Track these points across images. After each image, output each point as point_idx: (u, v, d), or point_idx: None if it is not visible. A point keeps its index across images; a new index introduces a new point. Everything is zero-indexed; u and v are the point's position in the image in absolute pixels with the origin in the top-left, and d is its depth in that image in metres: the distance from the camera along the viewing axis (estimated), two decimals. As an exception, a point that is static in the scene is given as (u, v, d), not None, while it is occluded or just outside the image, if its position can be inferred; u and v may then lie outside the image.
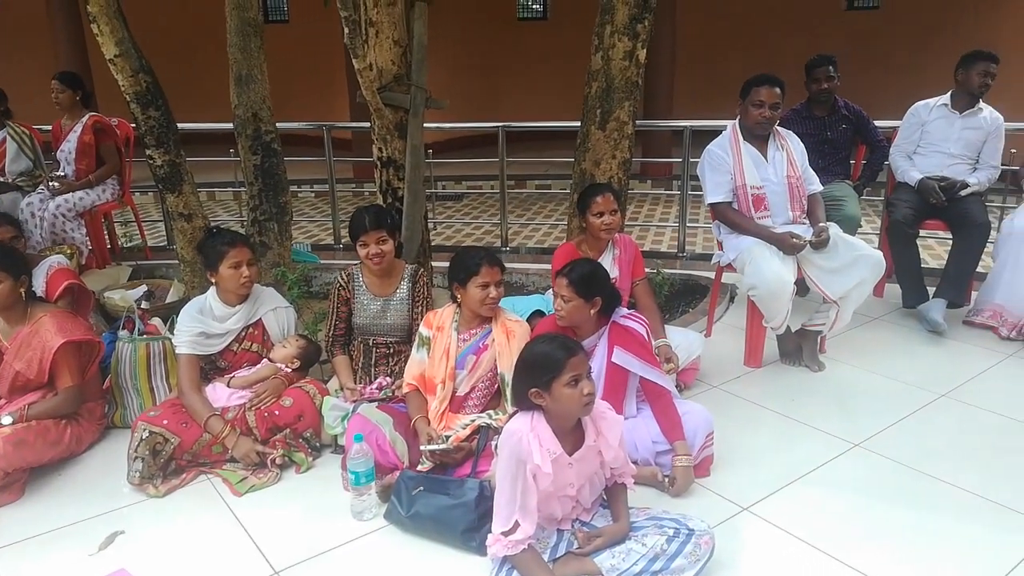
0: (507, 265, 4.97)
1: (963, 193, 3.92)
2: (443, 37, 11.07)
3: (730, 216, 3.45)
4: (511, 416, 2.12)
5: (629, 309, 3.23)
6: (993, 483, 2.54)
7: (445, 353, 2.55)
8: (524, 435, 1.99)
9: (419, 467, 2.44)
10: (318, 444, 2.78)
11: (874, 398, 3.19)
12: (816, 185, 3.55)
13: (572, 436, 2.05)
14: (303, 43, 10.35)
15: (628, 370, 2.55)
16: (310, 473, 2.69)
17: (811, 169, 3.57)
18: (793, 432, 2.93)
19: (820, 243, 3.25)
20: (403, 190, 3.53)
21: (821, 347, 3.58)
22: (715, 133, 3.65)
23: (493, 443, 2.35)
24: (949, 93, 4.03)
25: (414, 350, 2.66)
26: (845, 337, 3.74)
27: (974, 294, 3.99)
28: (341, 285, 2.97)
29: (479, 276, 2.53)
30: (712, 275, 4.04)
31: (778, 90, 3.36)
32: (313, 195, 8.72)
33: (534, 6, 12.98)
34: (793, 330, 3.49)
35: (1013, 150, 4.35)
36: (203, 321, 2.84)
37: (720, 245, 3.58)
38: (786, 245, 3.26)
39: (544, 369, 1.97)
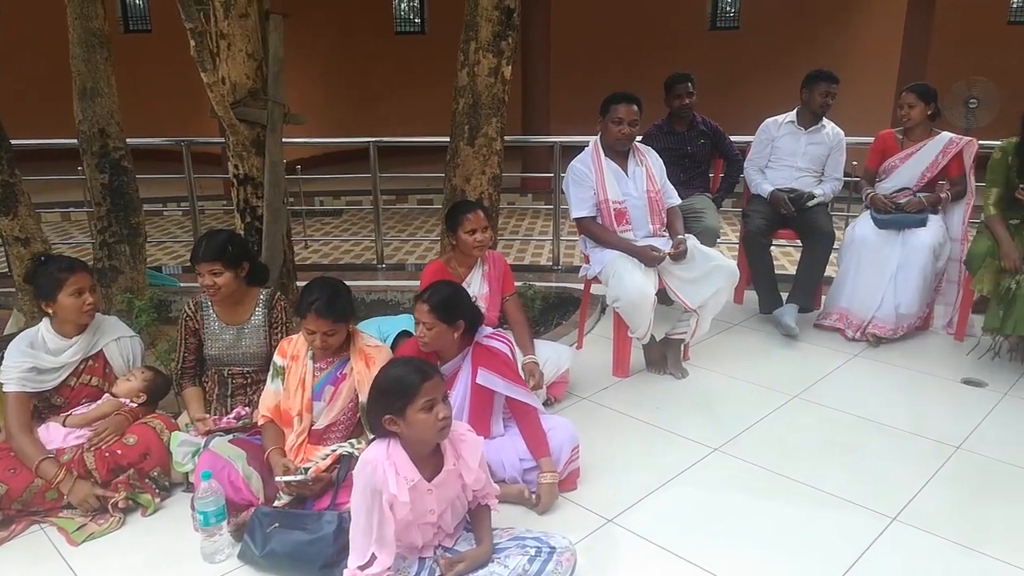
0: (381, 283, 4.97)
1: (810, 204, 4.16)
2: (318, 50, 10.91)
3: (594, 230, 3.52)
4: (370, 443, 2.05)
5: (501, 325, 3.27)
6: (839, 479, 2.69)
7: (301, 383, 2.43)
8: (379, 464, 1.93)
9: (276, 502, 2.32)
10: (167, 483, 2.59)
11: (733, 402, 3.32)
12: (675, 199, 3.68)
13: (431, 461, 2.01)
14: (166, 53, 9.86)
15: (493, 390, 2.53)
16: (158, 515, 2.51)
17: (670, 183, 3.70)
18: (658, 440, 3.00)
19: (679, 255, 3.37)
20: (262, 209, 3.39)
21: (685, 355, 3.70)
22: (584, 148, 3.70)
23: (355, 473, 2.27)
24: (796, 110, 4.29)
25: (268, 380, 2.53)
26: (708, 344, 3.89)
27: (824, 298, 4.24)
28: (188, 315, 2.78)
29: (306, 321, 2.40)
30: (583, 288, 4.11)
31: (635, 107, 3.46)
32: (180, 213, 8.29)
33: (415, 20, 12.95)
34: (658, 339, 3.59)
35: (855, 163, 4.67)
36: (34, 355, 2.60)
37: (587, 259, 3.65)
38: (647, 257, 3.36)
39: (397, 395, 1.91)
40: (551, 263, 5.62)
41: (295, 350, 2.48)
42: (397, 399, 1.91)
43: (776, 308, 4.11)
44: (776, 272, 4.30)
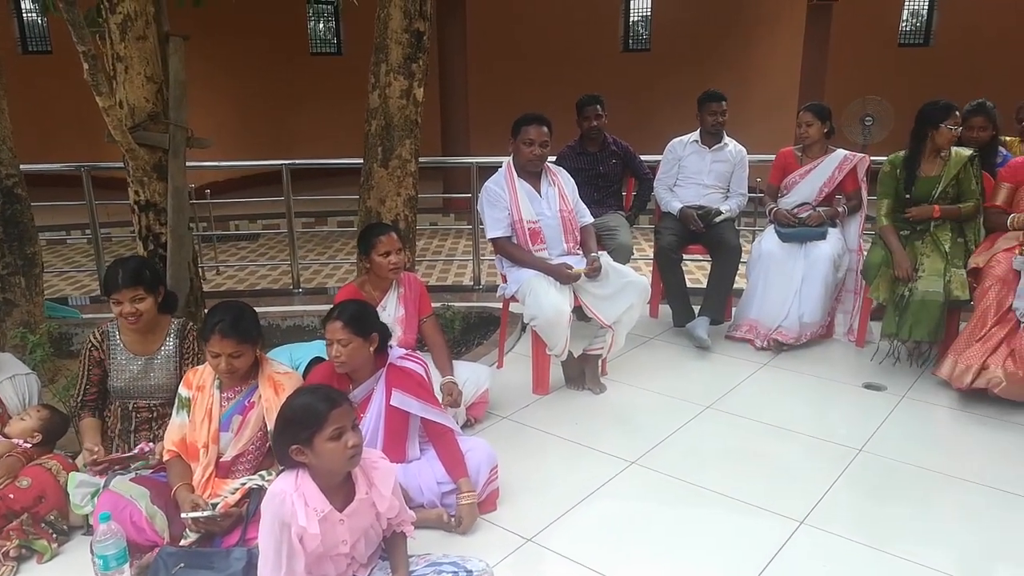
0: (298, 308, 4.86)
1: (718, 220, 4.31)
2: (231, 72, 10.67)
3: (509, 250, 3.54)
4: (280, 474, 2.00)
5: (419, 348, 3.25)
6: (750, 485, 2.77)
7: (207, 414, 2.35)
8: (288, 496, 1.88)
9: (182, 541, 2.23)
10: (65, 527, 2.45)
11: (650, 415, 3.39)
12: (587, 217, 3.75)
13: (342, 490, 1.96)
14: (67, 75, 9.45)
15: (408, 412, 2.51)
16: (56, 562, 2.36)
17: (582, 203, 3.76)
18: (577, 456, 3.03)
19: (593, 272, 3.43)
20: (166, 236, 3.27)
21: (603, 370, 3.76)
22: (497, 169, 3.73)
23: (266, 505, 2.20)
24: (699, 130, 4.45)
25: (174, 413, 2.43)
26: (625, 358, 3.96)
27: (734, 310, 4.39)
28: (93, 345, 2.66)
29: (210, 345, 2.31)
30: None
31: (545, 128, 3.52)
32: (85, 241, 7.92)
33: (331, 40, 12.82)
34: (576, 355, 3.64)
35: (759, 179, 4.87)
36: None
37: (504, 278, 3.67)
38: (562, 275, 3.41)
39: (304, 424, 1.87)
40: (473, 283, 5.62)
41: (201, 380, 2.40)
42: (304, 428, 1.87)
43: (689, 321, 4.23)
44: (690, 286, 4.43)
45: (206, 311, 3.16)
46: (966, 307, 3.66)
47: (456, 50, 9.67)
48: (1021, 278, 3.37)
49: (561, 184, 3.65)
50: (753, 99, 10.12)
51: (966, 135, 3.96)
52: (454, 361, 3.28)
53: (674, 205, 4.38)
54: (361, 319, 2.44)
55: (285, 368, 2.51)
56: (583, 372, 3.64)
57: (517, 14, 12.00)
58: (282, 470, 2.00)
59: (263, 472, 2.36)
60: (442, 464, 2.50)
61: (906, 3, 11.80)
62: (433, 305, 3.38)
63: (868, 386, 3.66)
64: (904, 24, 11.98)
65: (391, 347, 2.59)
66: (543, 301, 3.30)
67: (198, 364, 2.63)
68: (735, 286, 4.42)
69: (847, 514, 2.60)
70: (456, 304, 4.65)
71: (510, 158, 3.65)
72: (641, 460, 2.97)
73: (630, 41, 12.77)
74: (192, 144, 3.32)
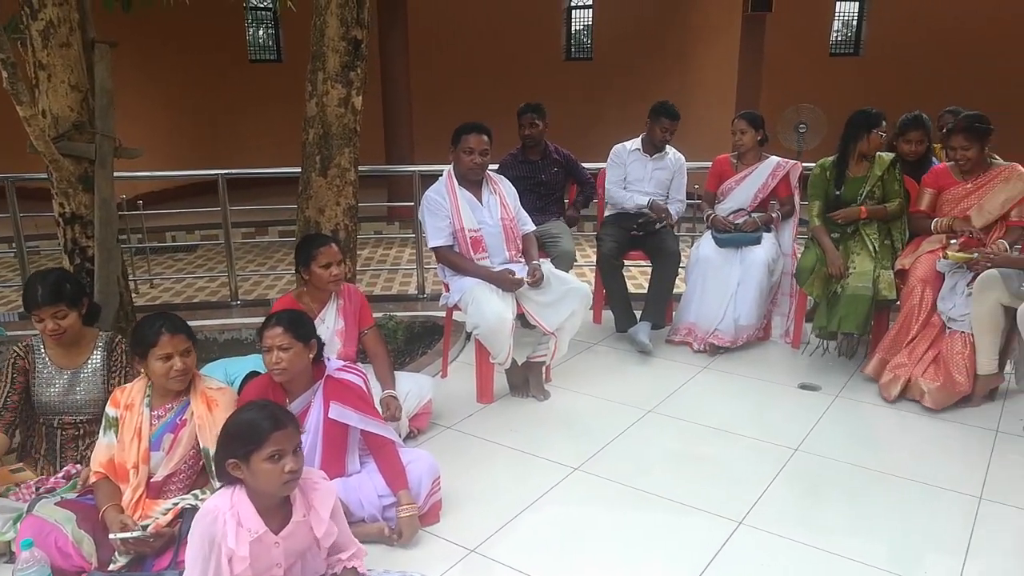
0: (236, 320, 4.75)
1: (658, 226, 4.38)
2: (166, 80, 10.40)
3: (451, 258, 3.53)
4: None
5: (361, 360, 3.21)
6: (690, 488, 2.81)
7: (136, 434, 2.27)
8: (221, 514, 1.83)
9: (111, 565, 2.15)
10: (-16, 556, 2.34)
11: (593, 420, 3.41)
12: (529, 225, 3.76)
13: (280, 512, 1.92)
14: (-9, 82, 9.10)
15: (348, 424, 2.48)
16: (-26, 593, 2.26)
17: (524, 210, 3.78)
18: (521, 464, 3.03)
19: (535, 280, 3.44)
20: (93, 249, 3.17)
21: (547, 376, 3.77)
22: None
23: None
24: (640, 137, 4.52)
25: (101, 433, 2.34)
26: (568, 364, 3.99)
27: (674, 314, 4.46)
28: (19, 355, 2.56)
29: (158, 348, 2.27)
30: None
31: (485, 137, 3.52)
32: (12, 255, 7.60)
33: (271, 47, 12.62)
34: (520, 363, 3.64)
35: (696, 186, 4.96)
36: None
37: (446, 287, 3.65)
38: (505, 282, 3.41)
39: (243, 440, 1.83)
40: (417, 292, 5.58)
41: (129, 399, 2.32)
42: (242, 444, 1.83)
43: (631, 326, 4.28)
44: (634, 291, 4.48)
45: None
46: (893, 307, 3.79)
47: (398, 58, 9.63)
48: (945, 280, 3.52)
49: (502, 192, 3.66)
50: (692, 107, 10.31)
51: (903, 147, 4.08)
52: (397, 372, 3.25)
53: (639, 200, 4.38)
54: (299, 323, 2.41)
55: (219, 383, 2.44)
56: (527, 380, 3.64)
57: (459, 23, 12.02)
58: (220, 487, 1.95)
59: (196, 492, 2.29)
60: (382, 476, 2.47)
61: (837, 14, 12.21)
62: (375, 316, 3.35)
63: (803, 386, 3.76)
64: (836, 34, 12.39)
65: (329, 359, 2.56)
66: (485, 309, 3.29)
67: (126, 379, 2.56)
68: (675, 291, 4.50)
69: (784, 513, 2.66)
70: (400, 314, 4.62)
71: (451, 167, 3.64)
72: (584, 466, 2.99)
73: (573, 49, 12.91)
74: (120, 154, 3.22)
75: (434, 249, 3.58)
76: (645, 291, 4.47)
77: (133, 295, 5.27)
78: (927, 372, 3.47)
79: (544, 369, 3.71)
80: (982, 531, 2.54)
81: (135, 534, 2.12)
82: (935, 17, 11.08)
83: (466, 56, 12.13)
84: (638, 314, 4.34)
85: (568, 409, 3.55)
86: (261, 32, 12.67)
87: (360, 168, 4.12)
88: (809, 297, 4.03)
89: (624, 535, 2.54)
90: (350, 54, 3.72)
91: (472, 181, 3.59)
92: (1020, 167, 3.59)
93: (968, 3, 10.90)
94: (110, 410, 2.32)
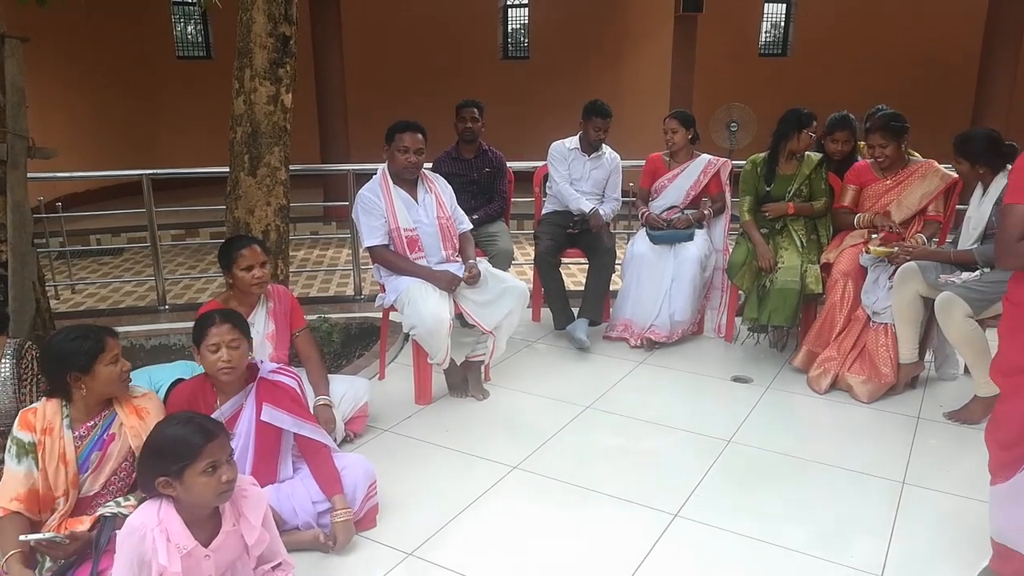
0: (164, 326, 4.60)
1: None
2: (87, 77, 9.99)
3: (388, 258, 3.48)
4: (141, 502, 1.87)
5: (293, 364, 3.14)
6: (627, 482, 2.84)
7: (61, 459, 2.11)
8: (148, 531, 1.76)
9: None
10: None
11: (532, 418, 3.42)
12: (466, 224, 3.74)
13: (208, 523, 1.86)
14: None
15: (281, 428, 2.42)
16: None
17: (460, 209, 3.75)
18: (459, 464, 3.01)
19: (472, 279, 3.42)
20: (6, 254, 3.01)
21: (486, 376, 3.76)
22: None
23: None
24: (577, 137, 4.54)
25: (11, 462, 2.13)
26: (507, 363, 3.99)
27: (611, 311, 4.50)
28: None
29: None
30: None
31: (420, 136, 3.49)
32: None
33: (200, 43, 12.25)
34: (459, 363, 3.62)
35: (631, 184, 5.02)
36: None
37: (382, 288, 3.60)
38: (442, 281, 3.38)
39: (175, 455, 1.76)
40: (354, 293, 5.50)
41: (46, 422, 2.13)
42: (175, 461, 1.76)
43: (569, 323, 4.30)
44: (574, 288, 4.50)
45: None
46: (820, 300, 3.91)
47: (332, 55, 9.47)
48: (868, 274, 3.65)
49: (438, 191, 3.63)
50: (627, 105, 10.45)
51: (830, 147, 4.20)
52: (332, 375, 3.19)
53: (584, 205, 4.38)
54: (243, 320, 2.39)
55: (142, 390, 2.34)
56: (466, 379, 3.63)
57: (394, 20, 11.89)
58: (143, 498, 1.87)
59: (119, 499, 2.19)
60: (316, 482, 2.42)
61: (765, 15, 12.55)
62: (308, 318, 3.28)
63: (736, 379, 3.84)
64: (766, 35, 12.74)
65: (261, 361, 2.49)
66: (422, 309, 3.26)
67: (38, 388, 2.44)
68: (612, 287, 4.54)
69: (718, 504, 2.71)
70: (336, 316, 4.54)
71: (385, 165, 3.59)
72: (524, 464, 2.99)
73: (510, 48, 12.92)
74: (34, 155, 3.07)
75: (369, 249, 3.53)
76: (583, 288, 4.50)
77: (53, 301, 5.05)
78: (854, 366, 3.59)
79: (483, 368, 3.70)
80: (905, 514, 2.64)
81: (47, 535, 1.99)
82: (858, 19, 11.50)
83: (403, 54, 12.02)
84: (576, 311, 4.37)
85: (507, 408, 3.55)
86: (190, 28, 12.29)
87: (292, 167, 4.04)
88: (740, 291, 4.13)
89: (563, 532, 2.55)
90: (278, 50, 3.64)
91: (407, 180, 3.55)
92: (936, 164, 3.75)
93: (890, 6, 11.35)
94: (23, 435, 2.13)
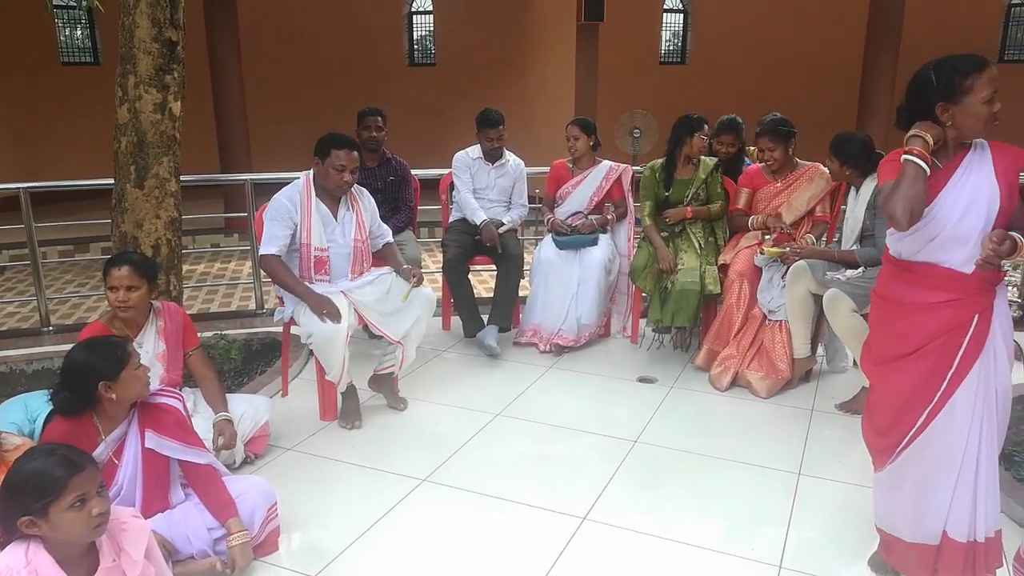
0: (48, 348, 4.31)
1: (501, 231, 4.42)
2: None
3: (277, 270, 3.28)
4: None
5: (188, 384, 3.00)
6: (537, 488, 2.84)
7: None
8: (17, 574, 1.63)
9: None
10: None
11: (442, 428, 3.37)
12: (387, 236, 3.63)
13: (85, 560, 1.73)
14: None
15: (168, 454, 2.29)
16: None
17: (382, 223, 3.63)
18: (366, 480, 2.94)
19: (417, 280, 3.40)
20: None
21: (395, 386, 3.69)
22: (279, 185, 3.48)
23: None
24: (478, 146, 4.54)
25: None
26: (417, 373, 3.93)
27: (521, 316, 4.52)
28: None
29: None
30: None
31: (356, 154, 3.34)
32: None
33: (87, 48, 11.62)
34: (368, 381, 3.54)
35: (536, 190, 5.05)
36: None
37: (281, 301, 3.48)
38: (318, 309, 3.16)
39: (37, 492, 1.63)
40: (256, 307, 5.30)
41: None
42: (37, 498, 1.63)
43: (479, 330, 4.28)
44: (487, 295, 4.47)
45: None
46: (719, 300, 4.03)
47: (229, 62, 9.18)
48: (762, 274, 3.79)
49: (360, 209, 3.46)
50: (534, 112, 10.58)
51: (717, 149, 4.38)
52: (230, 395, 3.06)
53: (479, 216, 4.38)
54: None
55: (16, 440, 2.16)
56: (358, 407, 3.44)
57: (295, 26, 11.64)
58: (8, 541, 1.73)
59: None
60: (207, 509, 2.30)
61: (664, 24, 12.95)
62: (203, 335, 3.13)
63: (642, 379, 3.91)
64: (667, 43, 13.14)
65: (144, 386, 2.35)
66: (318, 321, 3.15)
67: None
68: (522, 293, 4.55)
69: (624, 505, 2.74)
70: (236, 331, 4.37)
71: (310, 173, 3.40)
72: (433, 476, 2.95)
73: (416, 55, 12.85)
74: None
75: (262, 257, 3.32)
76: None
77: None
78: (752, 364, 3.72)
79: (393, 380, 3.63)
80: (801, 505, 2.74)
81: None
82: (748, 29, 12.02)
83: (306, 60, 11.77)
84: (487, 318, 4.36)
85: (417, 419, 3.49)
86: (79, 32, 11.65)
87: (187, 178, 3.88)
88: (643, 294, 4.22)
89: (472, 542, 2.52)
90: (164, 56, 3.49)
91: (332, 196, 3.41)
92: (822, 167, 3.93)
93: (777, 16, 11.91)
94: None
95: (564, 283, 4.26)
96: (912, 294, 2.06)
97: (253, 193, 4.91)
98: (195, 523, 2.31)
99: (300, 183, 3.38)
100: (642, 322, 4.44)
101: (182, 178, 3.76)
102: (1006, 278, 4.79)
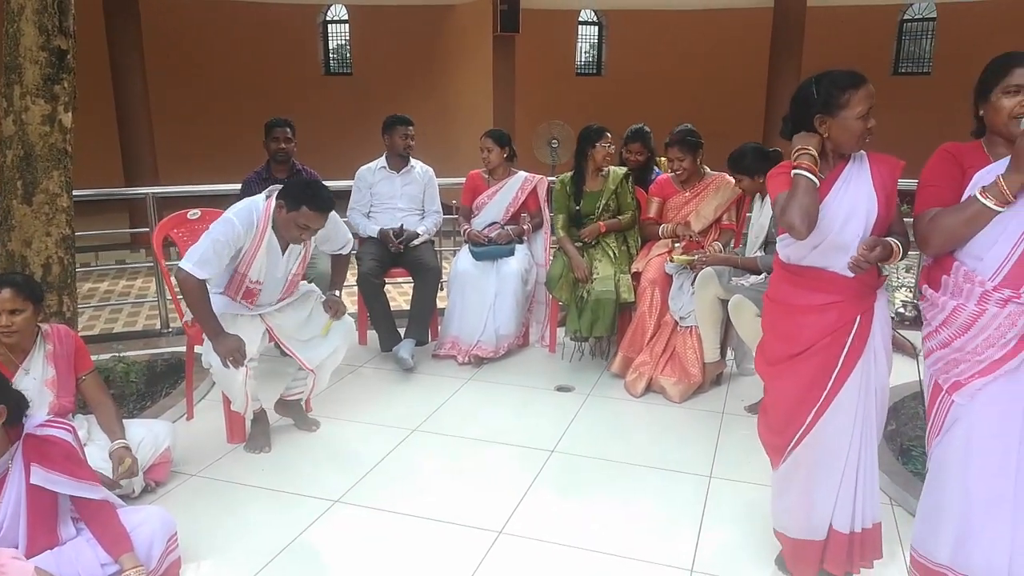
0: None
1: (416, 242, 4.38)
2: None
3: (196, 297, 2.99)
4: None
5: (81, 411, 2.83)
6: (454, 503, 2.81)
7: None
8: None
9: None
10: None
11: (356, 447, 3.30)
12: (346, 246, 3.53)
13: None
14: None
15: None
16: None
17: (346, 229, 3.51)
18: (277, 504, 2.84)
19: (337, 317, 3.31)
20: None
21: (307, 407, 3.59)
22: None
23: None
24: (384, 155, 4.50)
25: None
26: (331, 391, 3.83)
27: (440, 329, 4.47)
28: None
29: None
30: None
31: (327, 215, 3.10)
32: None
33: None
34: (274, 406, 3.43)
35: (454, 201, 5.03)
36: None
37: (182, 314, 3.34)
38: (221, 350, 2.97)
39: None
40: (161, 326, 5.08)
41: None
42: None
43: (396, 344, 4.22)
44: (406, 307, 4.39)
45: None
46: (633, 307, 4.10)
47: (133, 72, 8.81)
48: (673, 281, 3.87)
49: (310, 247, 3.29)
50: (455, 123, 10.58)
51: (626, 157, 4.46)
52: (128, 420, 2.90)
53: (371, 228, 4.37)
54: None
55: None
56: (267, 434, 3.31)
57: (202, 34, 11.28)
58: None
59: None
60: (101, 545, 2.17)
61: (580, 37, 13.17)
62: (100, 358, 2.97)
63: (560, 388, 3.93)
64: (585, 55, 13.36)
65: (27, 416, 2.20)
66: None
67: None
68: (441, 305, 4.52)
69: (540, 516, 2.74)
70: (139, 352, 4.18)
71: (271, 205, 3.05)
72: (346, 497, 2.87)
73: (333, 64, 12.66)
74: None
75: (187, 274, 2.96)
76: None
77: None
78: (665, 369, 3.79)
79: (304, 403, 3.52)
80: (712, 508, 2.80)
81: None
82: (662, 43, 12.36)
83: (215, 69, 11.42)
84: (402, 332, 4.30)
85: (330, 439, 3.40)
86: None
87: (84, 192, 3.70)
88: (560, 303, 4.25)
89: (385, 563, 2.47)
90: (53, 66, 3.32)
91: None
92: (727, 176, 4.05)
93: (686, 30, 12.27)
94: None
95: (481, 294, 4.25)
96: (799, 297, 2.14)
97: (155, 207, 4.71)
98: (87, 560, 2.17)
99: (259, 212, 3.03)
100: (560, 331, 4.47)
101: (76, 193, 3.58)
102: (895, 282, 5.07)
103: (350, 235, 3.52)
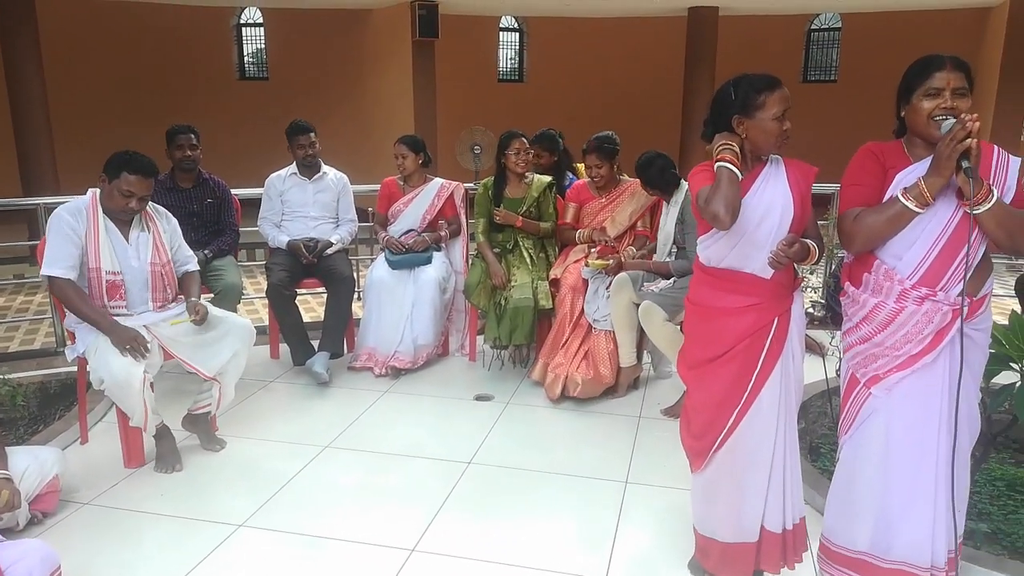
0: None
1: (330, 251, 4.26)
2: None
3: (68, 294, 2.93)
4: None
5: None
6: (366, 523, 2.71)
7: None
8: None
9: None
10: None
11: (264, 467, 3.15)
12: (192, 265, 3.37)
13: None
14: None
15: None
16: None
17: (187, 247, 3.38)
18: (176, 531, 2.68)
19: (200, 318, 3.09)
20: None
21: (213, 425, 3.42)
22: None
23: None
24: (295, 163, 4.36)
25: None
26: (239, 408, 3.67)
27: (356, 340, 4.35)
28: None
29: None
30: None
31: (151, 180, 3.06)
32: None
33: None
34: (181, 421, 3.26)
35: (370, 209, 4.92)
36: None
37: (72, 336, 3.14)
38: (120, 340, 2.89)
39: None
40: (56, 344, 4.79)
41: None
42: None
43: (310, 358, 4.08)
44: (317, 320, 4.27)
45: None
46: (552, 314, 4.08)
47: (30, 77, 8.33)
48: (589, 285, 3.87)
49: (159, 231, 3.18)
50: (375, 129, 10.40)
51: (533, 160, 4.45)
52: (12, 448, 2.70)
53: (281, 239, 4.24)
54: None
55: None
56: (176, 450, 3.16)
57: (105, 38, 10.77)
58: None
59: None
60: (-32, 589, 2.00)
61: (501, 43, 13.18)
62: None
63: (479, 397, 3.88)
64: (509, 61, 13.38)
65: None
66: (112, 361, 2.85)
67: None
68: (357, 316, 4.40)
69: (454, 532, 2.67)
70: (29, 374, 3.92)
71: (97, 191, 3.07)
72: (251, 520, 2.74)
73: (248, 69, 12.30)
74: None
75: (50, 279, 2.95)
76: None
77: None
78: (580, 367, 3.78)
79: (210, 419, 3.36)
80: (628, 513, 2.79)
81: None
82: (582, 51, 12.49)
83: (120, 73, 10.92)
84: (316, 344, 4.16)
85: (236, 459, 3.25)
86: None
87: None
88: (479, 310, 4.20)
89: (292, 590, 2.36)
90: None
91: (122, 218, 3.10)
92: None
93: (608, 40, 12.45)
94: None
95: (398, 303, 4.16)
96: (719, 299, 2.15)
97: (45, 219, 4.42)
98: (-46, 604, 2.00)
99: (85, 200, 3.07)
100: (480, 339, 4.42)
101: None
102: (804, 282, 5.22)
103: (190, 252, 3.41)
